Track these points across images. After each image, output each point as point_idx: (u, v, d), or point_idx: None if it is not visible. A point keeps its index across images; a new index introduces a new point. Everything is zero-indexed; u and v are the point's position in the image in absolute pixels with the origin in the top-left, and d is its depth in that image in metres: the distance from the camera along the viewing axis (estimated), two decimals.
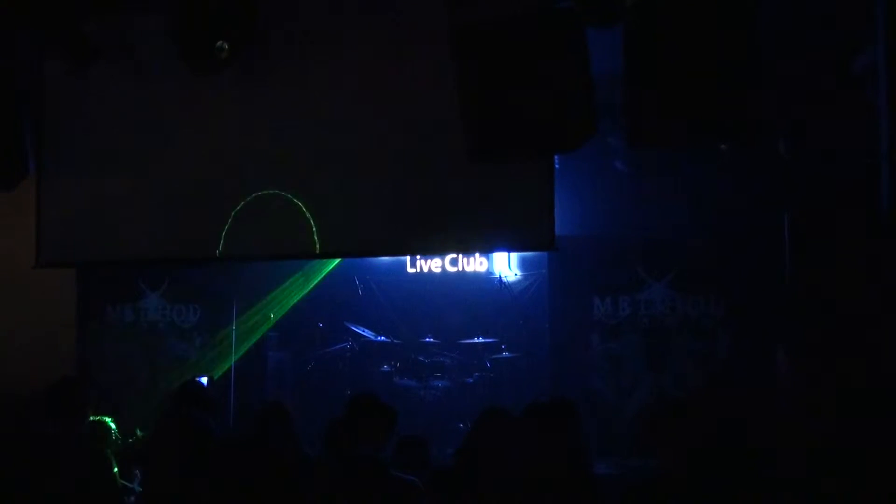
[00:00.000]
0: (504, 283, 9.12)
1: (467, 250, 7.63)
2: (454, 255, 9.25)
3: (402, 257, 9.29)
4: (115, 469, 4.90)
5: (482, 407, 4.64)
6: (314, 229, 6.61)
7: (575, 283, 7.60)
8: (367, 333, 9.15)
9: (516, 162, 6.01)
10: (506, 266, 9.37)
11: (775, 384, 6.68)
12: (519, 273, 9.31)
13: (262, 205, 6.76)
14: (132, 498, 5.55)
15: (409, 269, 9.50)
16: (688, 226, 7.44)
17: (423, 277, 9.41)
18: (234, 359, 8.23)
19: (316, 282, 8.99)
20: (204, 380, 7.73)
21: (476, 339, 8.96)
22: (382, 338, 9.14)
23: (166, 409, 5.34)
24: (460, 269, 9.41)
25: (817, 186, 6.15)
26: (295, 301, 8.95)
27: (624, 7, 4.94)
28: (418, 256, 9.29)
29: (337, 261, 8.76)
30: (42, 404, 4.88)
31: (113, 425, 6.09)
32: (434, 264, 9.44)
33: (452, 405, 8.56)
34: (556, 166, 6.64)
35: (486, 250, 8.02)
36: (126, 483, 5.51)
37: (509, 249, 8.36)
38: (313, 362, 9.13)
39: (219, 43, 5.93)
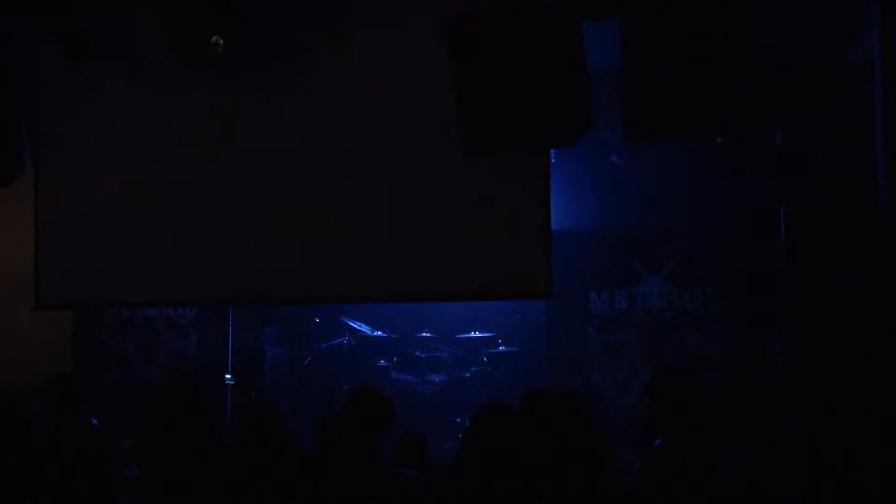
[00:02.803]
0: None
1: (457, 298, 7.26)
2: None
3: None
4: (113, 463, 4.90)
5: (479, 401, 4.62)
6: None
7: (571, 277, 7.59)
8: (364, 328, 9.12)
9: (512, 157, 6.00)
10: None
11: (772, 378, 6.69)
12: None
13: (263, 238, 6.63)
14: (130, 492, 5.55)
15: None
16: (684, 219, 7.45)
17: None
18: (230, 355, 8.21)
19: None
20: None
21: (473, 334, 8.93)
22: (379, 332, 9.12)
23: (162, 406, 5.33)
24: None
25: (814, 179, 6.16)
26: None
27: (620, 1, 4.95)
28: None
29: None
30: (39, 399, 4.88)
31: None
32: None
33: (450, 400, 8.56)
34: (553, 160, 6.63)
35: (478, 298, 7.68)
36: (123, 477, 5.50)
37: (502, 298, 7.76)
38: (310, 358, 9.13)
39: (214, 38, 5.92)
